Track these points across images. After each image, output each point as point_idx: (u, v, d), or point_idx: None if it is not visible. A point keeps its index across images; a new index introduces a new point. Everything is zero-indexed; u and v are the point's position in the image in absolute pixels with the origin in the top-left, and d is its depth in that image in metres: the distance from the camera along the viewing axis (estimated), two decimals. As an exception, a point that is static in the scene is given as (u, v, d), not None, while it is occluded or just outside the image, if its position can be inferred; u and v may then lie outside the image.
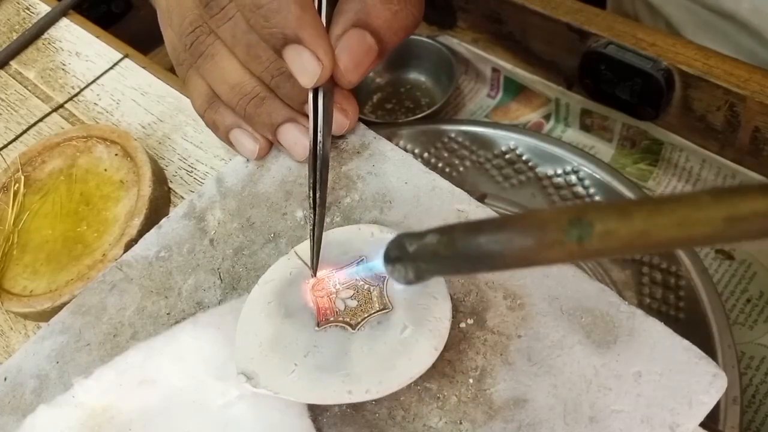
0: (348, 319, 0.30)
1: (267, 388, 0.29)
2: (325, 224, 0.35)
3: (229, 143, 0.39)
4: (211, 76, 0.37)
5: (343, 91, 0.36)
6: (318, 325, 0.30)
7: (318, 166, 0.33)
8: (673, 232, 0.17)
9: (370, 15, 0.34)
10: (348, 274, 0.31)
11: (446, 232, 0.21)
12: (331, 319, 0.30)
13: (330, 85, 0.34)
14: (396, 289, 0.31)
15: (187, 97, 0.40)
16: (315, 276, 0.32)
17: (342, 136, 0.39)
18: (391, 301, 0.30)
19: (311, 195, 0.33)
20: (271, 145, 0.39)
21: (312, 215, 0.32)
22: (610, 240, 0.17)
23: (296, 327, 0.30)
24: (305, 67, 0.32)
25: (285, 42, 0.31)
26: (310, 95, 0.33)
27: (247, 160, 0.39)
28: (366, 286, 0.31)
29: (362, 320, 0.30)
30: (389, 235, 0.33)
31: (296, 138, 0.37)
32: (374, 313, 0.30)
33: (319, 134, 0.33)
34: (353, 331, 0.30)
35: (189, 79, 0.38)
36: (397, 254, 0.23)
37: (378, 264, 0.30)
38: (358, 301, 0.31)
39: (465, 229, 0.20)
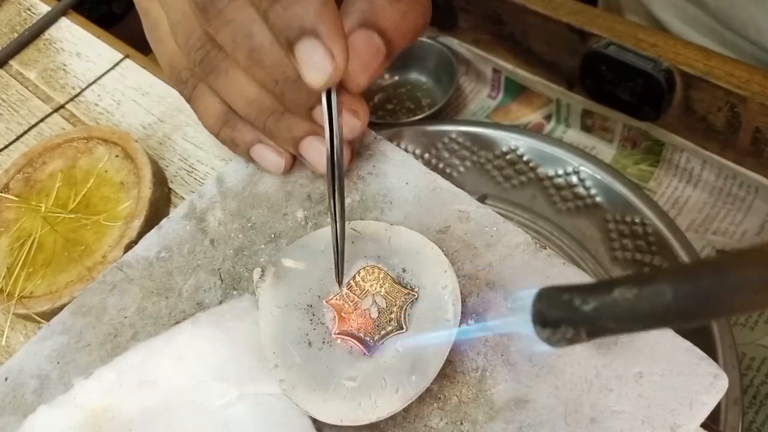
0: (362, 335, 0.30)
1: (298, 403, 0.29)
2: (327, 225, 0.35)
3: (250, 159, 0.37)
4: (226, 92, 0.35)
5: (353, 92, 0.34)
6: (334, 334, 0.31)
7: (336, 174, 0.32)
8: None
9: (378, 15, 0.33)
10: (456, 334, 0.30)
11: (645, 282, 0.18)
12: (349, 330, 0.30)
13: (336, 88, 0.32)
14: (412, 310, 0.31)
15: (197, 115, 0.38)
16: (341, 288, 0.31)
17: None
18: (407, 321, 0.30)
19: (332, 205, 0.31)
20: (295, 158, 0.38)
21: (334, 226, 0.31)
22: None
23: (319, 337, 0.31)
24: (318, 64, 0.29)
25: (300, 34, 0.29)
26: (324, 100, 0.32)
27: (247, 164, 0.39)
28: (386, 303, 0.31)
29: (378, 338, 0.30)
30: (410, 236, 0.33)
31: (320, 151, 0.35)
32: (390, 332, 0.30)
33: (335, 141, 0.32)
34: (368, 355, 0.30)
35: (198, 96, 0.37)
36: (563, 315, 0.20)
37: (504, 324, 0.29)
38: (379, 313, 0.31)
39: (672, 276, 0.18)
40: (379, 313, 0.31)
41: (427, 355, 0.29)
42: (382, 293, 0.31)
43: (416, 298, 0.31)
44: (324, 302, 0.31)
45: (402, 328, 0.30)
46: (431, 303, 0.31)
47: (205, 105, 0.37)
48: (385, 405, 0.28)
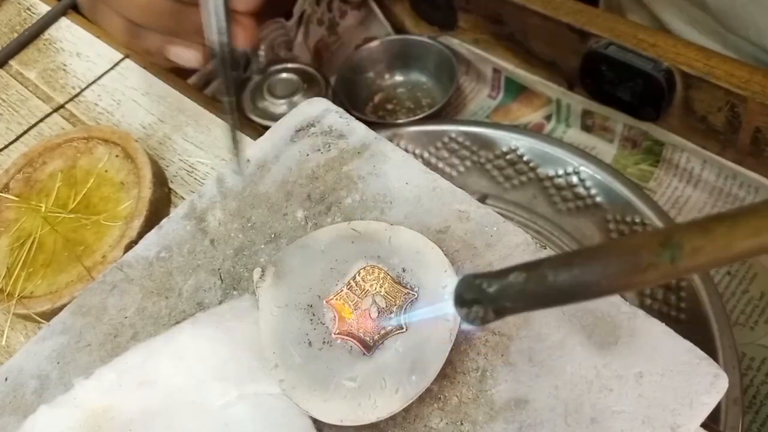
0: (362, 335, 0.30)
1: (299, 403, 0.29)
2: (327, 225, 0.35)
3: (170, 63, 0.39)
4: (120, 5, 0.36)
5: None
6: (334, 334, 0.31)
7: (226, 60, 0.34)
8: (750, 243, 0.18)
9: None
10: (404, 318, 0.31)
11: (533, 268, 0.21)
12: (349, 330, 0.30)
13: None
14: (413, 311, 0.31)
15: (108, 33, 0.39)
16: (242, 174, 0.34)
17: (342, 136, 0.39)
18: (407, 322, 0.30)
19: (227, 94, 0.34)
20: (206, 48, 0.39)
21: (231, 117, 0.34)
22: (699, 257, 0.18)
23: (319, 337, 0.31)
24: None
25: None
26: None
27: (248, 162, 0.39)
28: (386, 303, 0.31)
29: (378, 338, 0.30)
30: (405, 235, 0.33)
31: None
32: (390, 332, 0.30)
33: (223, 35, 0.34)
34: (368, 355, 0.30)
35: (100, 16, 0.37)
36: (474, 296, 0.23)
37: (441, 307, 0.30)
38: (379, 313, 0.31)
39: (554, 263, 0.21)
40: (379, 313, 0.31)
41: (428, 355, 0.29)
42: (382, 293, 0.31)
43: (416, 298, 0.31)
44: (324, 302, 0.31)
45: (402, 328, 0.30)
46: (431, 302, 0.31)
47: (109, 23, 0.38)
48: (385, 405, 0.28)
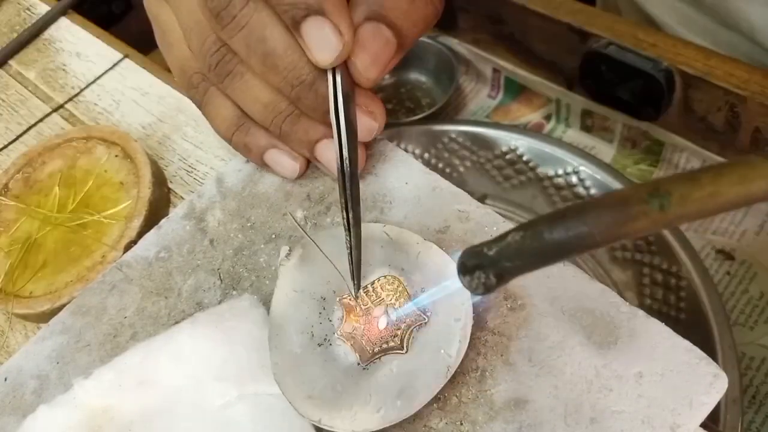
0: (364, 342, 0.30)
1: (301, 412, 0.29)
2: (326, 225, 0.35)
3: (263, 165, 0.37)
4: (242, 95, 0.35)
5: (366, 91, 0.34)
6: (337, 334, 0.30)
7: (347, 180, 0.31)
8: (735, 190, 0.19)
9: (385, 6, 0.32)
10: (419, 302, 0.30)
11: (530, 227, 0.22)
12: (353, 334, 0.30)
13: (350, 88, 0.32)
14: (418, 334, 0.30)
15: (208, 120, 0.37)
16: (356, 299, 0.31)
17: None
18: (409, 343, 0.30)
19: (344, 215, 0.31)
20: (309, 162, 0.37)
21: (348, 237, 0.31)
22: (686, 204, 0.19)
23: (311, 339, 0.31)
24: (325, 41, 0.30)
25: (306, 14, 0.30)
26: (331, 101, 0.32)
27: (247, 160, 0.39)
28: (396, 318, 0.30)
29: (378, 351, 0.30)
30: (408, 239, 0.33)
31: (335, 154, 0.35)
32: (391, 348, 0.30)
33: (344, 149, 0.31)
34: (362, 365, 0.30)
35: (210, 100, 0.36)
36: (476, 262, 0.23)
37: (446, 284, 0.29)
38: (387, 325, 0.30)
39: (548, 219, 0.21)
40: (387, 324, 0.30)
41: (419, 384, 0.28)
42: (396, 306, 0.31)
43: (425, 323, 0.30)
44: (337, 299, 0.31)
45: (402, 349, 0.30)
46: (438, 332, 0.30)
47: (217, 109, 0.36)
48: (364, 421, 0.28)
